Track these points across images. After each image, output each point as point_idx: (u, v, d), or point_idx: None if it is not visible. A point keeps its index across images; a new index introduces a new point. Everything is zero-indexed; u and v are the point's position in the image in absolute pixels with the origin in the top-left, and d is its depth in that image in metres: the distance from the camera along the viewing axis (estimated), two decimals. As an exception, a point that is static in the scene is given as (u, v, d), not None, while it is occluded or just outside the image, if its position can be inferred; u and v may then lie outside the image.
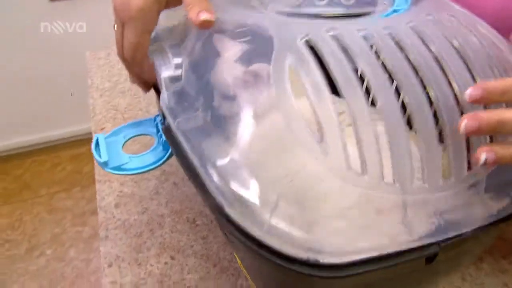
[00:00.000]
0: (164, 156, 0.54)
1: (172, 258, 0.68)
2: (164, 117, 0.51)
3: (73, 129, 2.46)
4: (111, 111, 0.98)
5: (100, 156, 0.53)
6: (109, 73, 1.13)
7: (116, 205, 0.77)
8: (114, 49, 1.19)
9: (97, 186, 0.80)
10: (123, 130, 0.59)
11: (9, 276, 1.89)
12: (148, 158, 0.55)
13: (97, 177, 0.82)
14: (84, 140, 2.43)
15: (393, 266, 0.38)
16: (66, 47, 2.22)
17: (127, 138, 0.58)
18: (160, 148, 0.55)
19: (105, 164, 0.53)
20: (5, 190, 2.32)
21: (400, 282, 0.48)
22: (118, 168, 0.54)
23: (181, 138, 0.46)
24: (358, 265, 0.37)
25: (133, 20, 0.54)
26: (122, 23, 0.55)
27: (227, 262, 0.67)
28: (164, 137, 0.54)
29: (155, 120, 0.58)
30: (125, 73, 1.12)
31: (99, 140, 0.55)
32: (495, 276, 0.63)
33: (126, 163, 0.54)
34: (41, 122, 2.43)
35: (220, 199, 0.39)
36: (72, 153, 2.46)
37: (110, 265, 0.67)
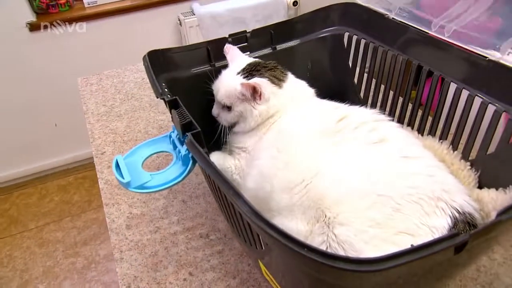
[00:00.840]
0: (185, 170, 0.55)
1: (191, 274, 0.68)
2: (183, 132, 0.52)
3: (59, 159, 2.42)
4: (110, 135, 0.98)
5: (122, 176, 0.53)
6: (103, 98, 1.13)
7: (128, 227, 0.77)
8: (107, 74, 1.20)
9: (105, 209, 0.80)
10: (139, 149, 0.59)
11: (1, 313, 1.83)
12: (170, 174, 0.55)
13: (104, 200, 0.82)
14: (70, 169, 2.40)
15: (425, 257, 0.39)
16: (53, 73, 2.21)
17: (145, 157, 0.59)
18: (180, 163, 0.56)
19: (128, 184, 0.53)
20: (-9, 226, 2.27)
21: (425, 275, 0.48)
22: (141, 187, 0.54)
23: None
24: (390, 259, 0.38)
25: None
26: None
27: (246, 273, 0.67)
28: (182, 152, 0.55)
29: (170, 136, 0.59)
30: (119, 97, 1.12)
31: (119, 161, 0.55)
32: (508, 265, 0.65)
33: (148, 181, 0.54)
34: (26, 154, 2.39)
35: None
36: (59, 183, 2.42)
37: (128, 286, 0.67)
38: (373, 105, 0.81)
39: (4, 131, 2.30)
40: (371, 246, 0.51)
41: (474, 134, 0.63)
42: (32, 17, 2.12)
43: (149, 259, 0.71)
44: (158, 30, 2.32)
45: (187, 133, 0.52)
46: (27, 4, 2.10)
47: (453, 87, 0.65)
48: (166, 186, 0.54)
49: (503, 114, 0.58)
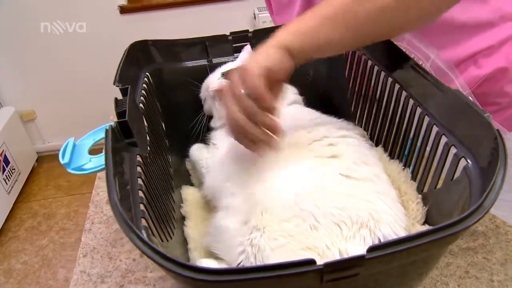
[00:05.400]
0: (115, 157, 0.56)
1: (141, 256, 0.70)
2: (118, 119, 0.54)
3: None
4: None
5: (63, 158, 0.57)
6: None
7: (108, 202, 0.80)
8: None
9: (96, 182, 0.85)
10: (94, 134, 0.62)
11: (58, 260, 2.01)
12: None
13: (98, 174, 0.87)
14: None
15: (274, 278, 0.37)
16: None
17: (95, 141, 0.61)
18: (117, 148, 0.58)
19: (67, 165, 0.56)
20: (69, 182, 2.49)
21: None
22: (79, 168, 0.56)
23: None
24: (231, 273, 0.37)
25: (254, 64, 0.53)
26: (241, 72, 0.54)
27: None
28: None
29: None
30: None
31: (68, 144, 0.59)
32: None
33: (86, 163, 0.57)
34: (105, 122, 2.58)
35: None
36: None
37: (85, 256, 0.71)
38: (360, 121, 0.77)
39: (90, 100, 2.49)
40: (276, 254, 0.50)
41: (429, 166, 0.57)
42: (123, 1, 2.27)
43: (112, 235, 0.74)
44: (234, 22, 2.36)
45: (115, 122, 0.53)
46: (121, -11, 2.25)
47: (418, 111, 0.59)
48: (100, 168, 0.56)
49: (452, 148, 0.52)
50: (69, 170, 0.56)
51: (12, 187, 2.26)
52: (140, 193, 0.49)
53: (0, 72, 2.35)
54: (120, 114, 0.54)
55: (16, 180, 2.32)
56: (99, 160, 0.57)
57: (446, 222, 0.40)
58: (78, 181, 2.49)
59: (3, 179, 2.18)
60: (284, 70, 0.56)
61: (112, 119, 1.00)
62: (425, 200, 0.59)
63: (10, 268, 1.97)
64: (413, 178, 0.62)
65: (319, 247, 0.50)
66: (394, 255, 0.39)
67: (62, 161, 0.56)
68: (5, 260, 2.02)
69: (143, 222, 0.46)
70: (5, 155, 2.23)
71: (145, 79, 0.71)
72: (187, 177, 0.79)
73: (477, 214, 0.40)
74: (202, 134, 0.79)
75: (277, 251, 0.50)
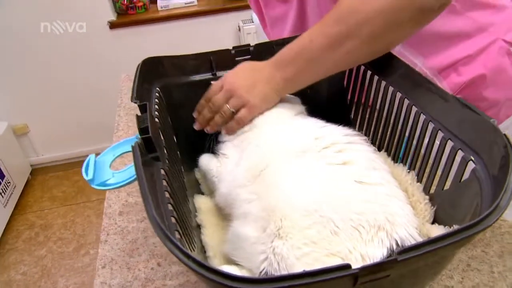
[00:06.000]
0: (138, 172, 0.55)
1: (159, 264, 0.68)
2: (140, 135, 0.53)
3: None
4: (132, 129, 1.01)
5: (86, 174, 0.55)
6: (137, 94, 1.17)
7: (120, 213, 0.79)
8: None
9: (107, 194, 0.83)
10: (113, 149, 0.60)
11: (57, 270, 1.97)
12: (128, 173, 0.56)
13: (108, 187, 0.85)
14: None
15: (315, 283, 0.37)
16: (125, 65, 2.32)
17: (116, 156, 0.60)
18: (137, 163, 0.57)
19: (91, 182, 0.55)
20: (63, 193, 2.44)
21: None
22: (103, 184, 0.55)
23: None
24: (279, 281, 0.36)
25: (254, 107, 0.68)
26: (242, 103, 0.68)
27: (206, 272, 0.67)
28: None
29: (136, 137, 0.59)
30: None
31: (90, 160, 0.57)
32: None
33: (109, 179, 0.56)
34: (97, 133, 2.54)
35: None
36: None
37: (103, 267, 0.69)
38: (360, 127, 0.77)
39: (82, 114, 2.46)
40: (302, 263, 0.49)
41: (435, 169, 0.58)
42: (113, 17, 2.24)
43: (128, 245, 0.72)
44: (219, 34, 2.36)
45: (139, 137, 0.52)
46: (110, 5, 2.23)
47: (422, 118, 0.60)
48: (123, 183, 0.55)
49: (458, 152, 0.53)
50: (93, 186, 0.55)
51: (8, 200, 2.20)
52: (169, 206, 0.48)
53: (-8, 88, 2.29)
54: (143, 130, 0.53)
55: (12, 193, 2.26)
56: (121, 175, 0.56)
57: (468, 222, 0.40)
58: (72, 191, 2.44)
59: (-1, 192, 2.13)
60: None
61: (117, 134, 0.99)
62: (432, 200, 0.59)
63: (10, 280, 1.92)
64: (419, 180, 0.62)
65: (341, 251, 0.49)
66: (422, 256, 0.39)
67: (86, 178, 0.54)
68: (5, 272, 1.96)
69: (176, 235, 0.45)
70: (0, 169, 2.16)
71: (156, 93, 0.70)
72: (197, 186, 0.78)
73: (496, 213, 0.41)
74: (210, 146, 0.78)
75: (302, 259, 0.49)
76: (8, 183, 2.23)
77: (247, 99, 0.68)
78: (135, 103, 0.59)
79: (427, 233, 0.55)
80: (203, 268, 0.36)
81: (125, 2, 2.25)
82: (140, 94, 0.62)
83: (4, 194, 2.18)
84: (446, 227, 0.54)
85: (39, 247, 2.09)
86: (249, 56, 0.81)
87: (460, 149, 0.53)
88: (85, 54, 2.28)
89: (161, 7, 2.31)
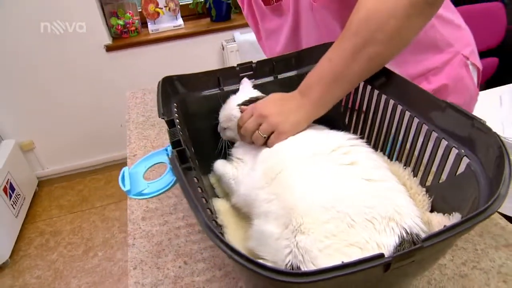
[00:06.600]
0: (173, 180, 0.54)
1: (185, 263, 0.66)
2: (172, 148, 0.51)
3: (123, 152, 2.50)
4: (143, 141, 0.99)
5: (124, 186, 0.53)
6: (143, 109, 1.14)
7: (143, 218, 0.76)
8: (149, 89, 1.20)
9: (128, 202, 0.80)
10: (144, 161, 0.59)
11: (69, 272, 1.89)
12: (162, 182, 0.54)
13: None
14: (131, 161, 2.46)
15: (356, 272, 0.36)
16: (121, 84, 2.28)
17: (147, 167, 0.58)
18: (170, 173, 0.55)
19: (128, 192, 0.53)
20: (69, 202, 2.36)
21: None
22: (139, 193, 0.53)
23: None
24: (326, 272, 0.36)
25: (284, 133, 0.64)
26: (272, 128, 0.64)
27: (230, 267, 0.65)
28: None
29: (166, 149, 0.58)
30: (156, 109, 1.13)
31: (125, 173, 0.55)
32: (455, 280, 0.60)
33: (145, 189, 0.54)
34: (98, 147, 2.48)
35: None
36: (121, 172, 2.49)
37: (135, 268, 0.66)
38: (355, 131, 0.77)
39: (82, 129, 2.39)
40: (324, 254, 0.48)
41: (430, 164, 0.58)
42: (109, 41, 2.19)
43: (155, 247, 0.70)
44: (205, 53, 2.34)
45: (172, 150, 0.50)
46: (106, 31, 2.18)
47: (415, 121, 0.60)
48: (158, 193, 0.54)
49: (452, 149, 0.53)
50: (131, 196, 0.53)
51: (19, 211, 2.11)
52: (208, 211, 0.47)
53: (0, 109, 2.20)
54: (175, 143, 0.52)
55: (22, 204, 2.17)
56: (155, 185, 0.55)
57: (477, 210, 0.41)
58: (77, 200, 2.37)
59: (11, 204, 2.03)
60: None
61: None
62: (428, 192, 0.60)
63: (25, 283, 1.83)
64: (414, 175, 0.63)
65: (359, 242, 0.49)
66: (443, 242, 0.39)
67: (124, 189, 0.52)
68: (20, 276, 1.88)
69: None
70: (10, 183, 2.07)
71: (174, 108, 0.69)
72: (211, 190, 0.77)
73: (499, 200, 0.41)
74: (222, 152, 0.77)
75: (324, 251, 0.48)
76: (18, 195, 2.14)
77: (277, 125, 0.64)
78: (163, 119, 0.57)
79: (427, 220, 0.55)
80: (259, 267, 0.35)
81: (119, 27, 2.20)
82: (165, 110, 0.60)
83: (15, 205, 2.09)
84: (446, 214, 0.54)
85: (51, 252, 2.01)
86: (251, 72, 0.80)
87: (454, 146, 0.53)
88: (84, 75, 2.22)
89: (152, 31, 2.27)
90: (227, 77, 0.78)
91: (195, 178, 0.52)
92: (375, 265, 0.37)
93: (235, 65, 0.79)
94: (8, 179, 2.06)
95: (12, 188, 2.08)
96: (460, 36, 0.90)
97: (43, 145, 2.39)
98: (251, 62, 0.80)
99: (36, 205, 2.34)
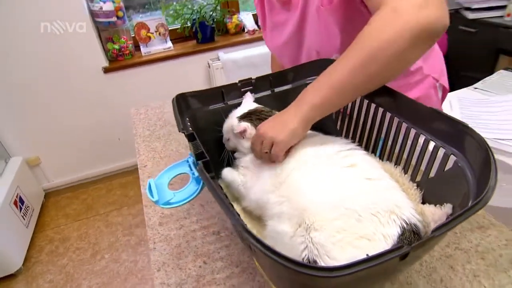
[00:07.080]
0: (198, 189, 0.52)
1: (205, 262, 0.64)
2: (196, 160, 0.49)
3: (121, 163, 2.42)
4: (151, 152, 0.95)
5: (152, 196, 0.51)
6: (148, 124, 1.11)
7: (160, 224, 0.73)
8: (151, 105, 1.17)
9: (145, 210, 0.77)
10: (166, 172, 0.56)
11: (80, 274, 1.81)
12: (187, 191, 0.52)
13: (144, 203, 0.78)
14: (129, 171, 2.39)
15: (378, 264, 0.36)
16: (118, 103, 2.21)
17: (171, 178, 0.56)
18: (194, 182, 0.53)
19: (157, 202, 0.51)
20: (75, 210, 2.26)
21: (378, 274, 0.44)
22: (167, 203, 0.51)
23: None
24: (348, 266, 0.35)
25: (282, 142, 0.60)
26: (271, 142, 0.60)
27: (246, 263, 0.63)
28: (195, 174, 0.52)
29: (187, 161, 0.56)
30: (159, 123, 1.10)
31: (151, 184, 0.53)
32: (443, 260, 0.60)
33: (172, 198, 0.51)
34: (99, 159, 2.39)
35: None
36: (121, 181, 2.41)
37: (158, 270, 0.64)
38: (347, 135, 0.77)
39: (84, 143, 2.31)
40: (337, 247, 0.48)
41: (420, 162, 0.59)
42: (106, 63, 2.13)
43: (174, 250, 0.67)
44: (193, 71, 2.31)
45: (198, 161, 0.48)
46: (103, 54, 2.11)
47: (404, 126, 0.61)
48: (185, 201, 0.52)
49: (440, 149, 0.54)
50: (160, 206, 0.50)
51: (29, 221, 2.01)
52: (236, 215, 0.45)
53: (6, 127, 2.09)
54: (199, 155, 0.50)
55: (31, 215, 2.06)
56: (181, 195, 0.53)
57: (473, 202, 0.41)
58: (82, 208, 2.27)
59: (21, 216, 1.93)
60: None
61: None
62: (419, 186, 0.60)
63: (39, 287, 1.74)
64: (405, 172, 0.63)
65: (367, 234, 0.48)
66: (451, 230, 0.39)
67: (152, 199, 0.50)
68: (33, 281, 1.78)
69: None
70: (20, 196, 1.97)
71: (187, 122, 0.67)
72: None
73: (491, 190, 0.42)
74: (227, 161, 0.75)
75: (337, 244, 0.48)
76: (27, 207, 2.03)
77: (274, 136, 0.60)
78: (183, 133, 0.55)
79: (421, 211, 0.55)
80: (293, 264, 0.34)
81: (115, 51, 2.14)
82: (184, 125, 0.58)
83: (25, 217, 1.98)
84: (438, 206, 0.54)
85: (61, 258, 1.91)
86: (251, 87, 0.79)
87: (441, 147, 0.54)
88: (84, 95, 2.15)
89: (145, 53, 2.22)
90: (229, 92, 0.77)
91: (220, 186, 0.50)
92: (397, 255, 0.36)
93: (237, 81, 0.78)
94: (18, 193, 1.96)
95: (21, 201, 1.98)
96: (432, 60, 0.87)
97: (48, 160, 2.29)
98: (250, 78, 0.79)
99: (44, 215, 2.23)
